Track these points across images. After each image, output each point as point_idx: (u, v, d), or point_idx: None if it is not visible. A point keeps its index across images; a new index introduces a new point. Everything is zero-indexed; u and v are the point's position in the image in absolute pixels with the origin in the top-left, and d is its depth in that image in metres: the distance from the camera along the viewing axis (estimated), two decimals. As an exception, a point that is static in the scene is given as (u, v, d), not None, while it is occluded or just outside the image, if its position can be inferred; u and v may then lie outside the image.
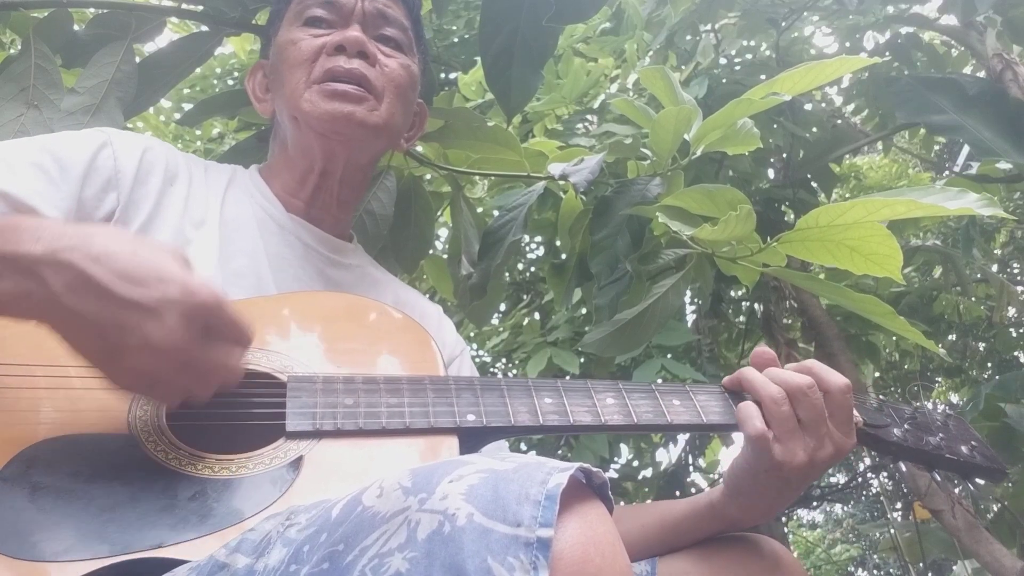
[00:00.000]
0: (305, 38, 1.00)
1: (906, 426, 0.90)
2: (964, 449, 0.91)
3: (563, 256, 1.99)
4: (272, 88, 1.06)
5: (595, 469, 0.53)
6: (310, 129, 0.98)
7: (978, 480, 0.92)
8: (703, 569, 0.85)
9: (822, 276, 2.06)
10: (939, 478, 0.91)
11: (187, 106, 2.38)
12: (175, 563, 0.60)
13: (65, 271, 0.62)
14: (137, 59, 1.21)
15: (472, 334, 3.18)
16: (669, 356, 2.42)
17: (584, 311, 2.61)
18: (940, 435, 0.91)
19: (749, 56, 2.68)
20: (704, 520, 0.88)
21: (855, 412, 0.84)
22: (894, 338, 3.06)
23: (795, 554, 0.88)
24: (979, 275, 3.30)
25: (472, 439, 0.78)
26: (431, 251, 1.80)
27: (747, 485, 0.83)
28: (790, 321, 2.94)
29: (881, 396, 0.97)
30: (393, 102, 1.01)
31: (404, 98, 1.03)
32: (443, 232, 2.73)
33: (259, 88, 1.09)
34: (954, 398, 4.45)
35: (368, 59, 0.99)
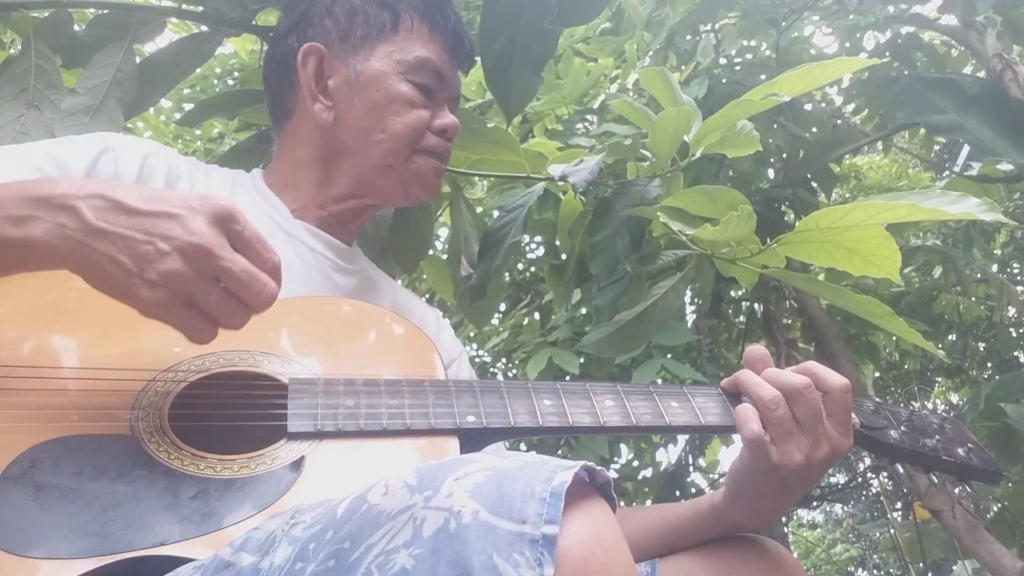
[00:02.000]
0: (419, 105, 1.04)
1: (903, 428, 0.91)
2: (960, 451, 0.91)
3: (563, 257, 1.99)
4: (345, 103, 1.02)
5: (598, 468, 0.53)
6: (401, 183, 1.05)
7: (974, 482, 0.93)
8: (704, 570, 0.85)
9: (821, 277, 2.07)
10: (936, 480, 0.92)
11: (187, 106, 2.38)
12: (178, 562, 0.60)
13: (95, 199, 0.66)
14: (137, 59, 1.21)
15: (472, 334, 3.18)
16: (669, 356, 2.42)
17: (584, 311, 2.61)
18: (936, 437, 0.91)
19: (749, 56, 2.68)
20: (706, 522, 0.88)
21: (852, 414, 0.84)
22: (894, 338, 3.06)
23: (795, 554, 0.88)
24: (979, 275, 3.30)
25: (472, 441, 0.78)
26: (431, 252, 1.80)
27: (747, 487, 0.84)
28: (790, 321, 2.94)
29: (878, 398, 0.97)
30: None
31: None
32: (443, 232, 2.73)
33: (314, 80, 1.03)
34: (954, 398, 4.45)
35: (452, 141, 1.09)
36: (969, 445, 0.92)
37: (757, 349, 0.88)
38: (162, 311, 0.66)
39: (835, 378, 0.82)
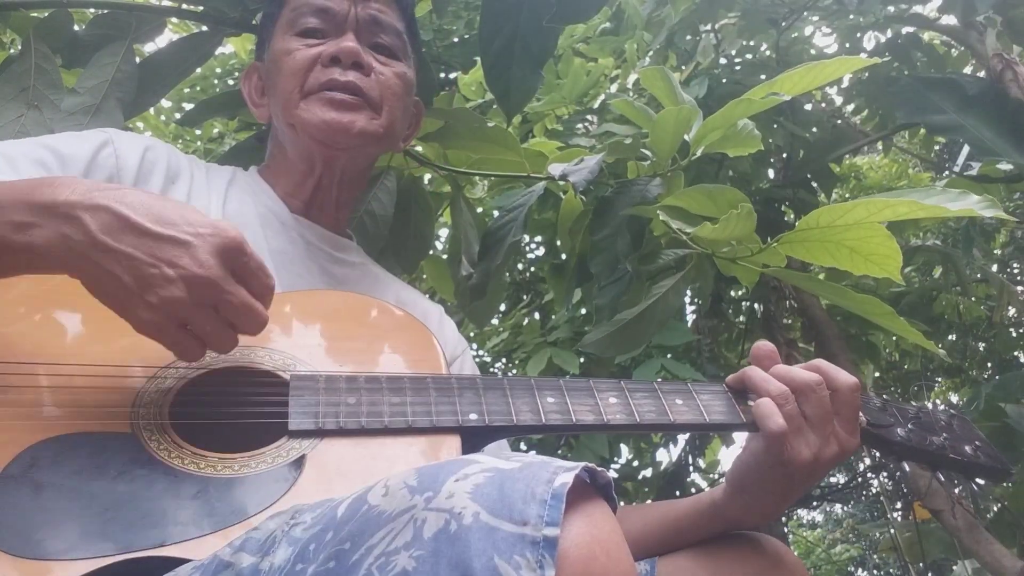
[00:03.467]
0: (299, 48, 1.00)
1: (910, 426, 0.90)
2: (968, 449, 0.90)
3: (563, 256, 1.99)
4: (268, 93, 1.06)
5: (599, 469, 0.53)
6: (307, 137, 0.99)
7: (981, 480, 0.92)
8: (703, 568, 0.84)
9: (822, 276, 2.06)
10: (942, 478, 0.91)
11: (187, 106, 2.38)
12: (177, 562, 0.60)
13: (101, 213, 0.65)
14: (137, 59, 1.21)
15: (472, 334, 3.18)
16: (669, 356, 2.42)
17: (584, 311, 2.60)
18: (944, 435, 0.91)
19: (749, 56, 2.68)
20: (705, 519, 0.88)
21: (860, 412, 0.84)
22: (894, 338, 3.06)
23: (795, 554, 0.87)
24: (979, 275, 3.30)
25: (474, 438, 0.78)
26: (431, 252, 1.80)
27: (751, 483, 0.83)
28: (790, 321, 2.94)
29: (884, 396, 0.97)
30: (391, 111, 1.02)
31: (401, 105, 1.05)
32: (443, 232, 2.73)
33: (255, 92, 1.10)
34: (954, 398, 4.45)
35: (363, 70, 1.00)
36: (977, 443, 0.92)
37: (765, 345, 0.88)
38: (156, 332, 0.67)
39: (844, 377, 0.82)
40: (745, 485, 0.84)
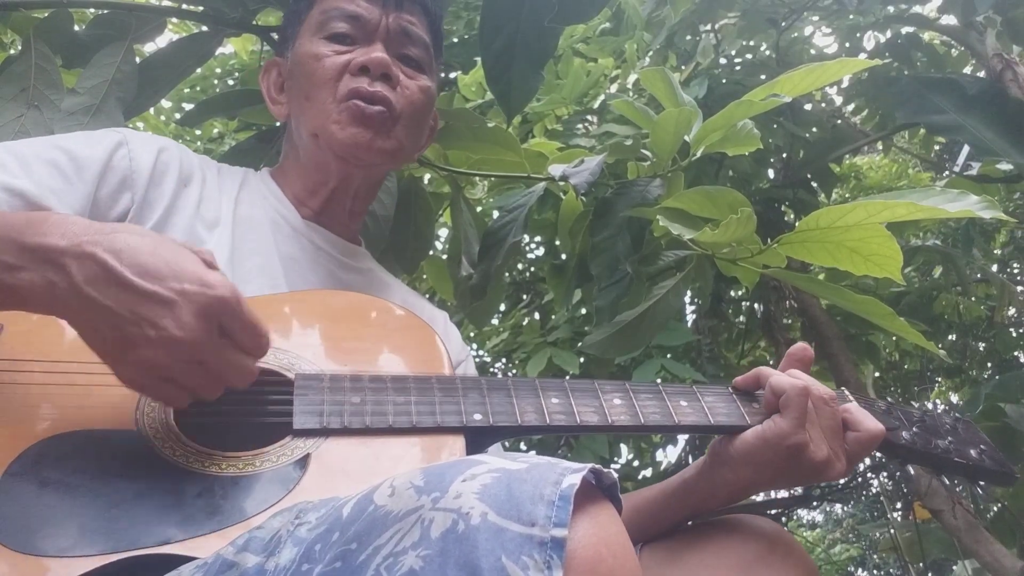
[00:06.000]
0: (329, 54, 0.99)
1: (915, 429, 0.91)
2: (973, 452, 0.91)
3: (563, 257, 1.99)
4: (289, 93, 1.05)
5: (605, 470, 0.53)
6: (329, 149, 0.98)
7: (986, 484, 0.93)
8: (691, 554, 0.84)
9: (822, 277, 2.06)
10: (947, 481, 0.92)
11: (187, 106, 2.38)
12: (182, 560, 0.60)
13: (88, 262, 0.64)
14: (137, 59, 1.21)
15: (472, 334, 3.18)
16: (669, 356, 2.42)
17: (584, 311, 2.60)
18: (949, 438, 0.91)
19: (749, 56, 2.68)
20: (675, 500, 0.88)
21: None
22: (894, 338, 3.06)
23: (792, 536, 0.87)
24: (979, 275, 3.30)
25: (479, 438, 0.78)
26: (431, 252, 1.80)
27: (740, 457, 0.83)
28: (790, 321, 2.94)
29: (889, 399, 0.97)
30: (409, 125, 1.02)
31: (420, 120, 1.05)
32: (443, 232, 2.72)
33: (274, 88, 1.08)
34: (954, 398, 4.45)
35: (390, 82, 0.99)
36: (982, 446, 0.92)
37: (804, 348, 0.91)
38: (138, 388, 0.67)
39: (871, 423, 0.84)
40: (731, 459, 0.83)
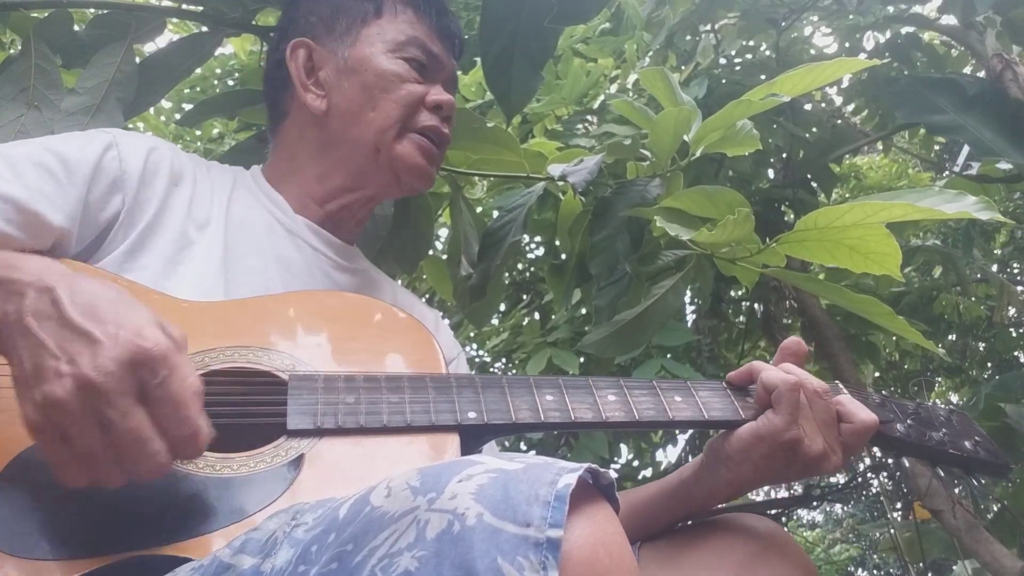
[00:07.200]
0: (411, 80, 1.02)
1: (909, 421, 0.91)
2: (967, 444, 0.91)
3: (563, 257, 1.99)
4: (338, 91, 1.02)
5: (602, 470, 0.53)
6: (389, 167, 1.02)
7: (981, 476, 0.93)
8: (690, 553, 0.84)
9: (821, 276, 2.06)
10: (942, 474, 0.92)
11: (187, 106, 2.38)
12: (177, 561, 0.60)
13: (44, 295, 0.62)
14: (137, 59, 1.21)
15: (472, 334, 3.18)
16: (669, 356, 2.42)
17: (584, 311, 2.60)
18: (943, 430, 0.91)
19: (749, 56, 2.68)
20: (674, 499, 0.89)
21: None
22: (894, 338, 3.06)
23: (790, 535, 0.88)
24: (979, 275, 3.30)
25: (473, 436, 0.78)
26: (431, 252, 1.80)
27: (737, 456, 0.83)
28: (790, 321, 2.94)
29: (884, 392, 0.97)
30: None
31: None
32: (443, 232, 2.73)
33: (304, 72, 1.04)
34: (954, 398, 4.45)
35: (449, 124, 1.06)
36: (977, 438, 0.92)
37: (797, 342, 0.91)
38: (35, 434, 0.59)
39: (865, 414, 0.85)
40: (728, 456, 0.84)
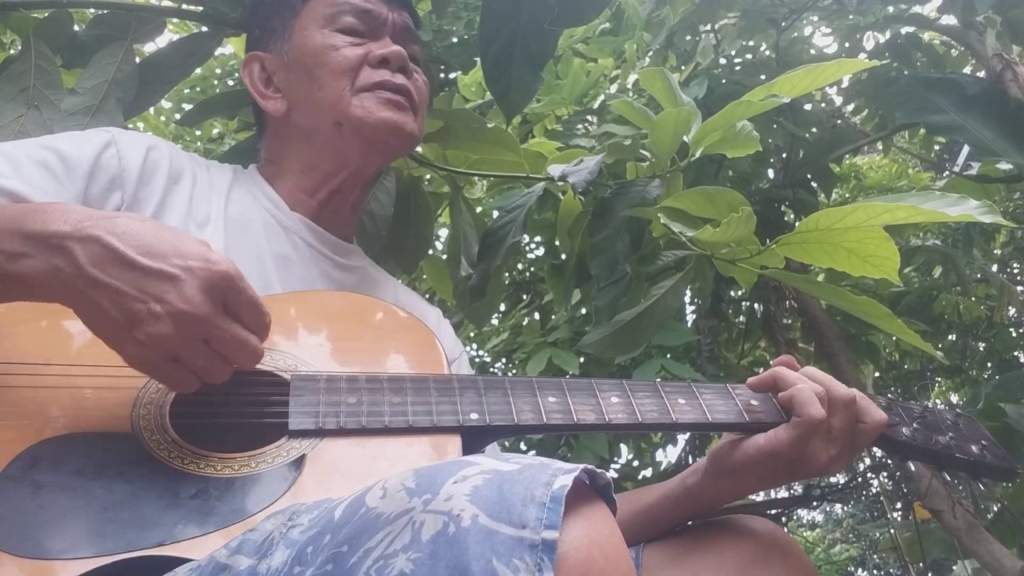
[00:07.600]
0: (345, 45, 1.01)
1: (915, 425, 0.90)
2: (974, 448, 0.90)
3: (563, 257, 1.99)
4: (290, 86, 1.04)
5: (599, 471, 0.53)
6: (356, 135, 1.00)
7: (988, 479, 0.92)
8: (691, 555, 0.85)
9: (821, 277, 2.06)
10: (948, 478, 0.92)
11: (187, 106, 2.38)
12: (177, 561, 0.60)
13: (92, 244, 0.65)
14: (137, 59, 1.21)
15: (472, 334, 3.18)
16: (669, 356, 2.42)
17: (584, 311, 2.60)
18: (950, 434, 0.91)
19: (749, 56, 2.68)
20: (679, 505, 0.89)
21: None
22: (894, 338, 3.05)
23: (790, 535, 0.89)
24: (979, 275, 3.30)
25: (476, 438, 0.78)
26: (430, 252, 1.80)
27: (740, 469, 0.84)
28: (790, 321, 2.94)
29: (889, 395, 0.97)
30: (423, 116, 1.06)
31: (425, 111, 1.08)
32: (443, 232, 2.73)
33: (260, 82, 1.07)
34: (954, 398, 4.45)
35: (407, 74, 1.02)
36: (983, 441, 0.92)
37: (785, 357, 0.91)
38: (145, 367, 0.67)
39: (877, 413, 0.85)
40: (733, 469, 0.84)
